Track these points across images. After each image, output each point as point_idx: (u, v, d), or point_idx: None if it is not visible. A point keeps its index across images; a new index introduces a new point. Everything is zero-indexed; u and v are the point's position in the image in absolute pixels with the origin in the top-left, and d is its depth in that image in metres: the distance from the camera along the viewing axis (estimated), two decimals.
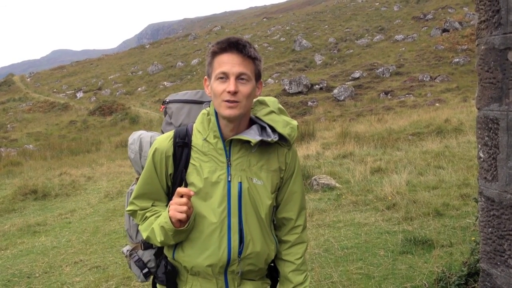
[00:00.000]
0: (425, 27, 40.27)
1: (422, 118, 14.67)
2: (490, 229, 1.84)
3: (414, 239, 4.88)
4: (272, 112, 2.02)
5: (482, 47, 1.81)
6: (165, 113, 2.34)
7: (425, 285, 3.84)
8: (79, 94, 50.43)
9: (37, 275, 5.35)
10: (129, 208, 2.08)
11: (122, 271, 5.13)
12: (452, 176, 7.35)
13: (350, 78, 31.00)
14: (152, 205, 2.06)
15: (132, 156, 2.33)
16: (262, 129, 1.99)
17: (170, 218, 1.85)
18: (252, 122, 2.02)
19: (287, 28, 56.76)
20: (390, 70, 30.43)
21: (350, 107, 24.71)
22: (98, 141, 23.26)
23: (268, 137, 1.94)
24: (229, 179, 1.94)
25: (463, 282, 3.52)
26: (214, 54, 1.87)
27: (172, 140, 1.99)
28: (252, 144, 1.90)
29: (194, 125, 2.04)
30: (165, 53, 62.42)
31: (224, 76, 1.84)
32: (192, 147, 1.98)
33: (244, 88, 1.85)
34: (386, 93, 26.42)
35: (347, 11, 57.92)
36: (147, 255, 2.22)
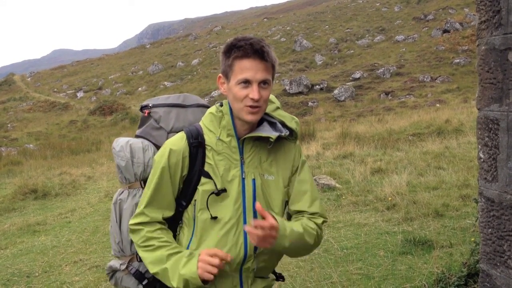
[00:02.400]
0: (426, 28, 40.26)
1: (423, 118, 14.66)
2: (490, 230, 1.84)
3: (414, 240, 4.87)
4: (278, 108, 2.07)
5: (483, 47, 1.80)
6: (148, 118, 2.29)
7: (424, 285, 3.84)
8: (80, 94, 50.48)
9: (37, 274, 5.35)
10: (138, 220, 1.97)
11: None
12: (452, 177, 7.35)
13: (350, 78, 31.00)
14: (162, 218, 1.99)
15: (122, 164, 2.24)
16: (271, 124, 2.02)
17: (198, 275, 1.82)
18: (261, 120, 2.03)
19: (288, 28, 56.77)
20: (391, 71, 30.42)
21: (350, 107, 24.71)
22: (99, 141, 23.25)
23: (281, 132, 1.98)
24: (243, 177, 1.96)
25: (462, 283, 3.52)
26: (236, 58, 1.84)
27: (186, 140, 1.97)
28: (272, 140, 1.94)
29: (203, 124, 2.02)
30: (166, 53, 62.43)
31: (247, 82, 1.84)
32: (206, 146, 1.97)
33: (265, 93, 1.87)
34: (387, 94, 26.42)
35: (348, 11, 57.91)
36: (144, 266, 2.08)
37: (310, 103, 27.00)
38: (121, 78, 54.20)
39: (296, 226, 1.93)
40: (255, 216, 1.96)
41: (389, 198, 6.58)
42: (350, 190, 7.44)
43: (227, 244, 1.93)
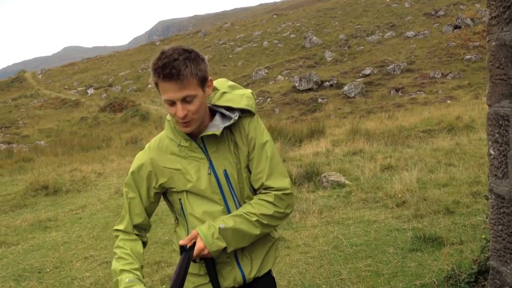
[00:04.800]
0: (437, 24, 39.95)
1: (433, 115, 14.58)
2: (500, 227, 1.83)
3: (424, 237, 4.85)
4: (224, 93, 2.08)
5: (493, 43, 1.79)
6: None
7: (434, 282, 3.82)
8: (90, 91, 50.72)
9: (48, 270, 5.39)
10: (117, 227, 2.21)
11: None
12: (463, 174, 7.29)
13: (360, 75, 30.86)
14: (136, 225, 2.15)
15: None
16: (223, 114, 2.05)
17: None
18: (213, 111, 2.08)
19: (298, 24, 56.59)
20: (401, 67, 30.24)
21: (360, 104, 24.62)
22: (109, 138, 23.38)
23: (229, 120, 2.01)
24: (214, 171, 2.03)
25: (473, 280, 3.50)
26: (155, 81, 1.89)
27: (150, 153, 2.12)
28: (218, 135, 1.98)
29: (165, 134, 2.11)
30: None
31: (171, 101, 1.88)
32: (170, 155, 2.06)
33: (192, 107, 1.89)
34: (397, 90, 26.27)
35: (358, 7, 57.59)
36: None
37: (320, 100, 26.95)
38: (131, 75, 54.37)
39: (224, 220, 1.99)
40: (235, 202, 2.07)
41: (399, 195, 6.55)
42: (360, 187, 7.41)
43: None
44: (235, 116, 2.01)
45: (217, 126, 1.99)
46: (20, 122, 35.78)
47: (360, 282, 4.08)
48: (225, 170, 2.04)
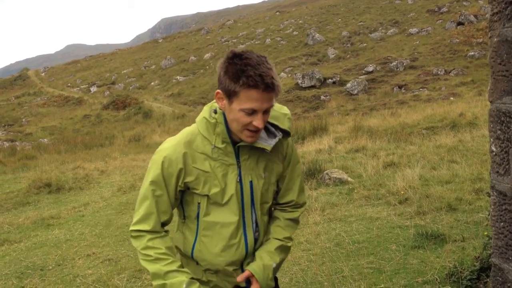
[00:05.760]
0: (440, 20, 39.85)
1: (436, 112, 14.53)
2: (502, 224, 1.82)
3: (426, 234, 4.84)
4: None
5: (495, 39, 1.78)
6: None
7: (436, 279, 3.81)
8: (93, 89, 50.80)
9: (50, 267, 5.40)
10: (138, 227, 2.04)
11: (134, 263, 5.16)
12: (466, 171, 7.27)
13: (363, 72, 30.80)
14: (161, 222, 2.06)
15: None
16: (265, 128, 2.03)
17: None
18: None
19: (300, 21, 56.52)
20: (404, 64, 30.16)
21: (363, 101, 24.56)
22: (112, 135, 23.38)
23: (275, 137, 2.00)
24: (241, 180, 2.00)
25: (475, 277, 3.49)
26: (244, 87, 1.78)
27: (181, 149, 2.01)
28: (268, 151, 1.99)
29: (197, 130, 2.01)
30: (178, 47, 62.51)
31: (253, 111, 1.83)
32: (200, 154, 1.99)
33: (267, 117, 1.90)
34: (400, 87, 26.21)
35: (361, 4, 57.47)
36: None
37: (322, 97, 26.90)
38: (134, 72, 54.43)
39: (273, 257, 2.09)
40: (253, 215, 2.07)
41: (402, 192, 6.53)
42: (362, 184, 7.40)
43: (230, 246, 2.02)
44: (279, 135, 2.01)
45: (264, 140, 1.98)
46: (23, 120, 35.86)
47: (362, 279, 4.07)
48: (251, 181, 2.02)
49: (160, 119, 28.95)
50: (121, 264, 5.25)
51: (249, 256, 2.08)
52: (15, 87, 56.98)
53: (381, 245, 4.88)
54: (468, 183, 6.56)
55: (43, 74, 67.77)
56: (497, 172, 1.82)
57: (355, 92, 26.75)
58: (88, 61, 73.03)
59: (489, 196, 1.92)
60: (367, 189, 7.08)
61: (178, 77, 47.09)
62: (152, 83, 47.96)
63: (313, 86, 29.12)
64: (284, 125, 2.03)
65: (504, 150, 1.77)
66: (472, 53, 29.38)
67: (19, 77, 62.96)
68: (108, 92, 46.54)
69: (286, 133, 2.05)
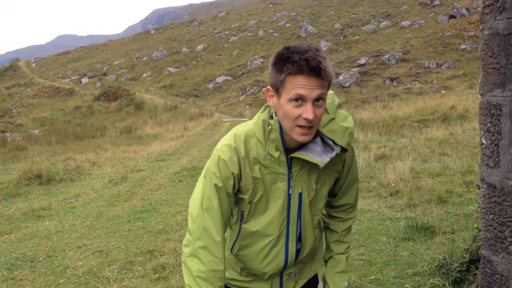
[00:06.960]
0: (432, 13, 39.94)
1: (428, 105, 14.60)
2: (491, 216, 1.82)
3: (417, 226, 4.87)
4: (331, 120, 1.85)
5: (486, 32, 1.78)
6: None
7: (426, 271, 3.84)
8: (84, 80, 50.53)
9: (41, 259, 5.38)
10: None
11: (125, 255, 5.15)
12: (456, 163, 7.32)
13: (355, 64, 30.85)
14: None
15: None
16: (322, 139, 1.85)
17: None
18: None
19: (293, 14, 56.44)
20: (396, 57, 30.25)
21: (355, 93, 24.63)
22: (103, 127, 23.29)
23: (331, 151, 1.82)
24: (290, 191, 1.87)
25: (464, 268, 3.51)
26: (289, 74, 1.64)
27: (235, 153, 1.85)
28: (321, 167, 1.81)
29: (253, 133, 1.86)
30: (170, 38, 62.26)
31: (300, 100, 1.66)
32: (253, 159, 1.85)
33: (320, 111, 1.69)
34: (392, 80, 26.30)
35: None
36: None
37: None
38: (126, 64, 54.16)
39: (344, 277, 2.09)
40: (297, 227, 1.94)
41: (393, 185, 6.56)
42: None
43: (268, 255, 1.94)
44: (337, 149, 1.81)
45: (319, 154, 1.80)
46: (14, 111, 35.61)
47: (353, 271, 4.08)
48: (300, 193, 1.89)
49: (152, 111, 28.85)
50: (111, 255, 5.24)
51: (290, 267, 1.99)
52: (5, 78, 56.52)
53: (371, 237, 4.90)
54: (459, 176, 6.60)
55: (34, 64, 67.31)
56: (487, 164, 1.83)
57: (347, 84, 26.81)
58: (79, 52, 72.58)
59: (479, 189, 1.93)
60: None
61: (170, 68, 46.93)
62: (144, 75, 47.76)
63: None
64: (343, 142, 1.83)
65: (494, 142, 1.77)
66: (464, 46, 29.50)
67: (9, 68, 62.47)
68: (99, 84, 46.30)
69: (344, 150, 1.86)
